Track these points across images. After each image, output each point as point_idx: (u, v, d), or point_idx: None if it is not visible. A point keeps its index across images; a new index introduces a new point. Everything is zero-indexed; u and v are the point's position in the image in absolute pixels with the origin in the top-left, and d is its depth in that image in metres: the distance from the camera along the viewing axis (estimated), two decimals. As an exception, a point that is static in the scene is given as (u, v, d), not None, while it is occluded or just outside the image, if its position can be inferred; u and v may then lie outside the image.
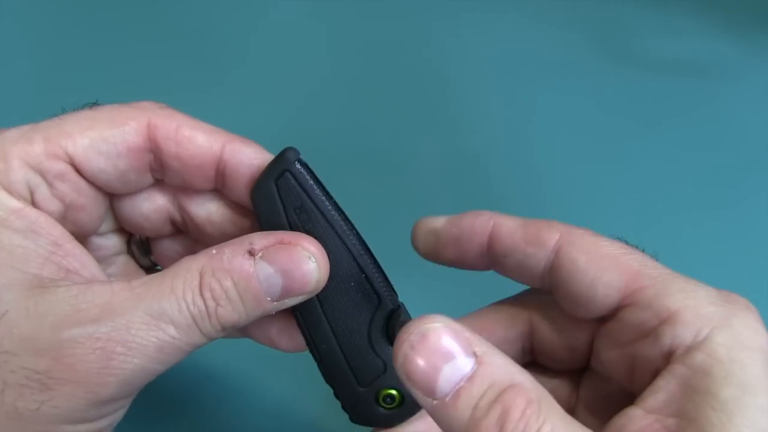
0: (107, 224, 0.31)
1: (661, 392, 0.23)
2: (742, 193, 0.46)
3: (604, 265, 0.25)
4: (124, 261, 0.32)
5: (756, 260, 0.44)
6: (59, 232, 0.26)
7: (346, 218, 0.27)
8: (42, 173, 0.26)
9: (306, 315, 0.28)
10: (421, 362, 0.22)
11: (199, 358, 0.37)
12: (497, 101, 0.50)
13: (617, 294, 0.25)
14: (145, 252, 0.32)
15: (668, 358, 0.23)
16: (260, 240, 0.25)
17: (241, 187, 0.28)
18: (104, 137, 0.26)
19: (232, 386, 0.39)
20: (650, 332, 0.24)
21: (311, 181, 0.26)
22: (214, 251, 0.25)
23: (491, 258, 0.28)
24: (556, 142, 0.48)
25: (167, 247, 0.32)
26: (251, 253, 0.25)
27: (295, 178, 0.26)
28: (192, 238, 0.31)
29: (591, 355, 0.27)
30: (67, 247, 0.26)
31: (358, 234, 0.27)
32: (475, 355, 0.22)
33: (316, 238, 0.26)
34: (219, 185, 0.28)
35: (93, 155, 0.26)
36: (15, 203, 0.26)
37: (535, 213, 0.42)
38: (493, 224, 0.28)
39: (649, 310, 0.24)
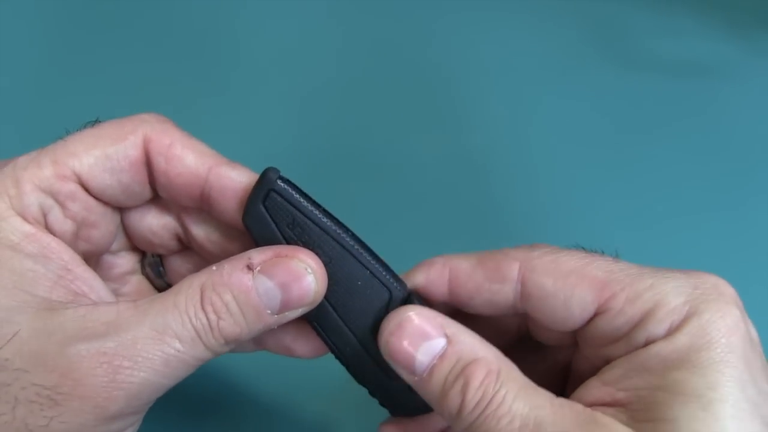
0: (119, 242, 0.31)
1: (618, 368, 0.25)
2: (743, 194, 0.46)
3: (571, 282, 0.26)
4: (138, 281, 0.33)
5: (756, 261, 0.44)
6: (69, 256, 0.27)
7: (338, 222, 0.27)
8: (53, 195, 0.27)
9: (323, 323, 0.28)
10: (402, 344, 0.26)
11: (213, 371, 0.37)
12: (497, 102, 0.50)
13: (591, 307, 0.26)
14: (159, 273, 0.33)
15: None
16: (258, 255, 0.26)
17: (228, 209, 0.28)
18: (107, 154, 0.27)
19: (247, 399, 0.39)
20: (624, 335, 0.25)
21: (297, 195, 0.27)
22: (214, 268, 0.26)
23: (455, 303, 0.29)
24: (557, 142, 0.48)
25: (179, 265, 0.32)
26: (250, 268, 0.26)
27: (281, 196, 0.27)
28: (199, 256, 0.32)
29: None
30: (77, 271, 0.27)
31: (353, 234, 0.27)
32: (446, 335, 0.25)
33: (313, 248, 0.27)
34: (206, 206, 0.29)
35: (98, 172, 0.27)
36: (28, 228, 0.26)
37: (535, 214, 0.42)
38: (450, 270, 0.28)
39: (622, 315, 0.25)
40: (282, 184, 0.27)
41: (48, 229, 0.27)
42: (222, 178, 0.28)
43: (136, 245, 0.32)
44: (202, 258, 0.32)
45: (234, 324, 0.26)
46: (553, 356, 0.30)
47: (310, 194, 0.27)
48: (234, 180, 0.28)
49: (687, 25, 0.54)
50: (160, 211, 0.31)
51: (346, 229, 0.27)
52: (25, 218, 0.27)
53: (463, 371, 0.25)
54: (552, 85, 0.51)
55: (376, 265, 0.27)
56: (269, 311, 0.26)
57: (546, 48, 0.53)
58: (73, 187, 0.27)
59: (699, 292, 0.25)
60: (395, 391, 0.29)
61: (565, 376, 0.30)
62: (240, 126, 0.49)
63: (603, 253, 0.27)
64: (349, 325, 0.28)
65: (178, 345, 0.25)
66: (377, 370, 0.28)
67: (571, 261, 0.26)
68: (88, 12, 0.55)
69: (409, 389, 0.27)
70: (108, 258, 0.32)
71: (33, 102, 0.50)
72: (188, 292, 0.25)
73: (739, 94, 0.51)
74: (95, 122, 0.29)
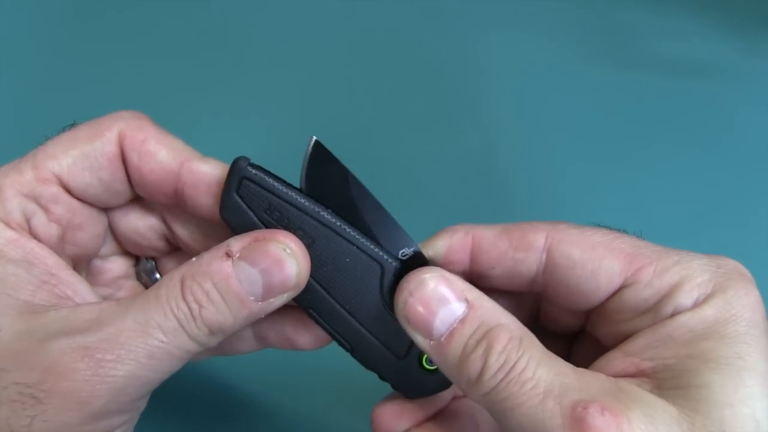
0: (109, 247, 0.31)
1: (642, 339, 0.25)
2: (742, 194, 0.47)
3: (599, 253, 0.26)
4: (133, 285, 0.33)
5: (756, 260, 0.44)
6: (53, 261, 0.27)
7: (315, 201, 0.26)
8: (35, 199, 0.27)
9: (319, 309, 0.27)
10: (419, 307, 0.25)
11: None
12: (498, 102, 0.50)
13: (618, 278, 0.26)
14: (155, 280, 0.32)
15: None
16: (237, 242, 0.26)
17: (202, 204, 0.28)
18: (85, 153, 0.27)
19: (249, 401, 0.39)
20: (651, 307, 0.25)
21: (269, 179, 0.26)
22: (194, 259, 0.26)
23: (474, 274, 0.28)
24: (557, 142, 0.49)
25: (172, 267, 0.32)
26: (229, 255, 0.25)
27: (254, 182, 0.26)
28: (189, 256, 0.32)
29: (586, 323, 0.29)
30: (61, 275, 0.27)
31: (332, 212, 0.27)
32: (466, 300, 0.25)
33: (294, 230, 0.26)
34: (181, 202, 0.28)
35: (78, 171, 0.27)
36: (11, 234, 0.26)
37: (535, 213, 0.42)
38: (473, 237, 0.28)
39: (650, 288, 0.25)
40: (253, 171, 0.26)
41: (32, 233, 0.27)
42: (194, 173, 0.27)
43: (125, 248, 0.32)
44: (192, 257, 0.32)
45: (216, 312, 0.25)
46: (550, 341, 0.30)
47: (284, 177, 0.27)
48: (206, 174, 0.27)
49: (687, 25, 0.54)
50: (145, 211, 0.31)
51: (325, 207, 0.26)
52: (7, 224, 0.27)
53: (485, 336, 0.24)
54: (552, 85, 0.51)
55: (362, 240, 0.26)
56: (252, 297, 0.25)
57: (546, 48, 0.53)
58: (54, 190, 0.27)
59: (723, 271, 0.25)
60: (405, 371, 0.28)
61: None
62: (239, 125, 0.49)
63: (626, 231, 0.28)
64: (345, 306, 0.27)
65: (161, 336, 0.25)
66: (383, 351, 0.28)
67: (598, 235, 0.27)
68: (88, 12, 0.55)
69: (420, 367, 0.27)
70: (99, 263, 0.31)
71: (32, 103, 0.50)
72: (169, 284, 0.25)
73: (739, 94, 0.51)
74: (72, 125, 0.28)
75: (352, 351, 0.28)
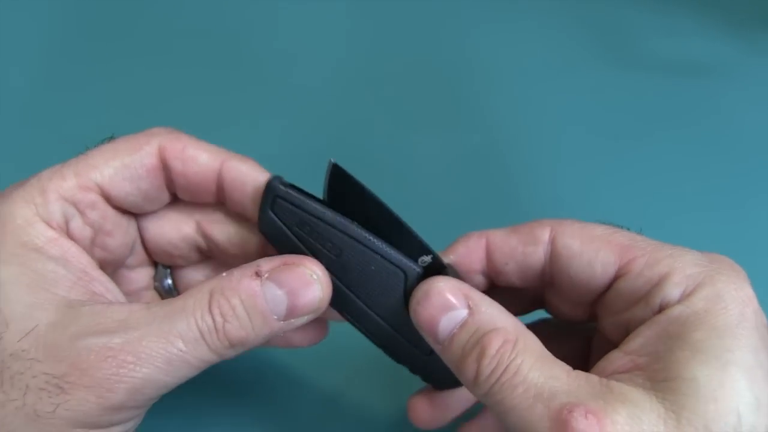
0: (137, 257, 0.33)
1: (640, 337, 0.26)
2: (742, 193, 0.47)
3: (596, 245, 0.28)
4: (151, 296, 0.34)
5: (756, 260, 0.44)
6: (87, 261, 0.29)
7: (342, 214, 0.28)
8: (75, 204, 0.29)
9: (350, 311, 0.29)
10: (426, 313, 0.27)
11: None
12: (498, 101, 0.51)
13: (613, 268, 0.27)
14: (167, 287, 0.34)
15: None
16: (267, 263, 0.28)
17: (239, 199, 0.30)
18: (125, 164, 0.30)
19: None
20: (643, 297, 0.26)
21: (300, 196, 0.29)
22: (224, 274, 0.27)
23: (491, 272, 0.30)
24: (557, 141, 0.49)
25: (191, 277, 0.34)
26: (258, 274, 0.27)
27: (285, 200, 0.29)
28: (217, 262, 0.34)
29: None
30: (94, 273, 0.29)
31: (357, 224, 0.28)
32: (468, 306, 0.26)
33: (323, 242, 0.28)
34: (221, 198, 0.31)
35: (119, 181, 0.30)
36: (51, 233, 0.28)
37: (534, 211, 0.42)
38: (486, 238, 0.30)
39: (641, 277, 0.27)
40: (284, 189, 0.29)
41: (69, 235, 0.29)
42: (233, 169, 0.30)
43: (155, 258, 0.34)
44: (223, 264, 0.33)
45: (240, 327, 0.27)
46: (572, 340, 0.32)
47: (313, 193, 0.29)
48: (244, 172, 0.30)
49: (687, 25, 0.54)
50: (179, 220, 0.32)
51: (351, 220, 0.28)
52: (49, 224, 0.28)
53: (480, 340, 0.25)
54: (552, 84, 0.51)
55: (386, 249, 0.28)
56: (276, 317, 0.27)
57: (546, 48, 0.53)
58: (94, 197, 0.30)
59: (714, 266, 0.26)
60: (434, 366, 0.29)
61: (585, 360, 0.31)
62: (243, 126, 0.49)
63: (629, 228, 0.29)
64: (373, 309, 0.29)
65: (181, 345, 0.26)
66: (411, 348, 0.29)
67: (598, 229, 0.28)
68: (95, 16, 0.55)
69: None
70: (125, 272, 0.33)
71: (37, 106, 0.50)
72: (197, 296, 0.27)
73: (739, 94, 0.51)
74: (111, 138, 0.31)
75: (383, 348, 0.30)
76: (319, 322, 0.34)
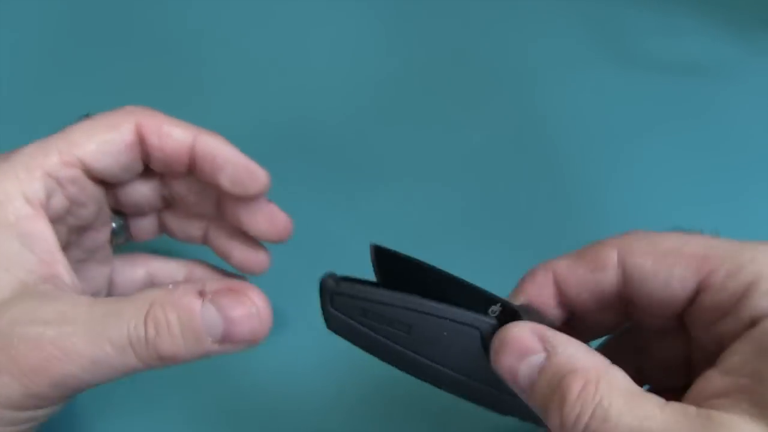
0: (102, 220, 0.35)
1: (737, 354, 0.24)
2: (742, 193, 0.46)
3: (670, 261, 0.26)
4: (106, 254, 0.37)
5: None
6: (53, 242, 0.30)
7: (398, 292, 0.28)
8: (58, 180, 0.31)
9: (439, 380, 0.29)
10: (505, 365, 0.26)
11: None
12: (498, 101, 0.51)
13: (692, 284, 0.26)
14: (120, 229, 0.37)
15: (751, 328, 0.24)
16: (213, 284, 0.28)
17: (209, 170, 0.33)
18: (106, 140, 0.32)
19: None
20: (730, 311, 0.25)
21: (355, 287, 0.28)
22: (170, 286, 0.28)
23: (566, 304, 0.29)
24: (556, 141, 0.49)
25: (143, 225, 0.38)
26: (201, 294, 0.28)
27: (342, 294, 0.28)
28: (178, 210, 0.37)
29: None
30: (57, 256, 0.30)
31: (417, 296, 0.28)
32: (545, 349, 0.25)
33: (389, 322, 0.28)
34: (191, 169, 0.34)
35: (100, 156, 0.32)
36: (28, 210, 0.30)
37: (534, 212, 0.42)
38: (552, 272, 0.29)
39: (724, 291, 0.25)
40: (339, 285, 0.28)
41: (46, 209, 0.31)
42: (204, 144, 0.33)
43: (125, 211, 0.36)
44: (182, 212, 0.37)
45: (171, 343, 0.27)
46: (667, 347, 0.30)
47: (369, 279, 0.29)
48: (214, 146, 0.33)
49: (687, 25, 0.54)
50: (149, 178, 0.35)
51: (410, 293, 0.28)
52: (29, 200, 0.30)
53: (559, 384, 0.24)
54: (552, 84, 0.51)
55: (453, 311, 0.28)
56: (210, 339, 0.28)
57: (546, 48, 0.53)
58: (76, 172, 0.31)
59: None
60: (519, 405, 0.28)
61: (687, 366, 0.29)
62: (230, 125, 0.49)
63: (702, 231, 0.27)
64: (456, 371, 0.29)
65: (109, 349, 0.27)
66: (501, 395, 0.28)
67: (668, 241, 0.27)
68: (85, 14, 0.55)
69: None
70: (89, 233, 0.35)
71: (29, 99, 0.50)
72: (138, 303, 0.28)
73: (738, 93, 0.51)
74: (87, 115, 0.33)
75: (476, 402, 0.30)
76: (261, 249, 0.37)
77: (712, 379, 0.24)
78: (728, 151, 0.48)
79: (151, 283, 0.37)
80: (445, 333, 0.28)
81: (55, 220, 0.31)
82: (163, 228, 0.38)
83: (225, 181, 0.33)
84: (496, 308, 0.28)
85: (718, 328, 0.25)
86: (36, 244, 0.29)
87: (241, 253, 0.37)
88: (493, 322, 0.27)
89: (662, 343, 0.29)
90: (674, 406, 0.23)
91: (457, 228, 0.45)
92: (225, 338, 0.28)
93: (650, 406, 0.23)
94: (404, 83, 0.51)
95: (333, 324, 0.29)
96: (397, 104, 0.50)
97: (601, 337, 0.32)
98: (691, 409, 0.22)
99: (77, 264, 0.34)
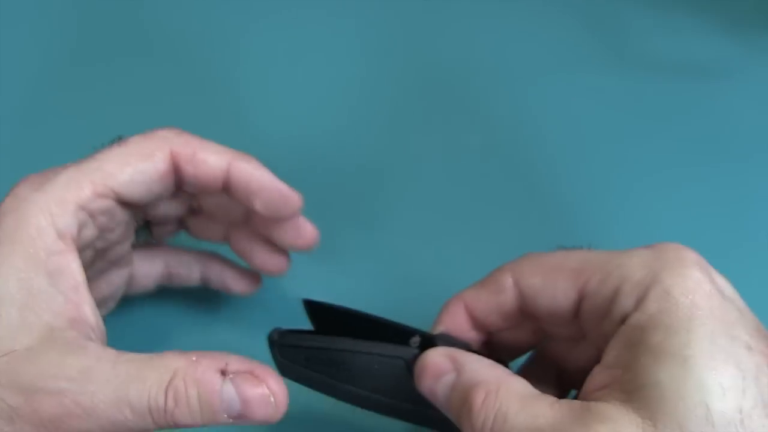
0: (127, 237, 0.36)
1: (613, 350, 0.27)
2: (742, 193, 0.47)
3: (553, 276, 0.29)
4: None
5: (756, 259, 0.44)
6: (81, 279, 0.30)
7: (332, 338, 0.32)
8: (90, 212, 0.31)
9: (372, 405, 0.33)
10: (425, 387, 0.30)
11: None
12: (497, 101, 0.51)
13: (573, 294, 0.29)
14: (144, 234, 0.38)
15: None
16: (235, 364, 0.29)
17: (243, 194, 0.34)
18: (139, 170, 0.32)
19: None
20: (605, 313, 0.28)
21: (296, 337, 0.33)
22: (194, 358, 0.29)
23: (480, 328, 0.32)
24: (556, 141, 0.49)
25: (166, 229, 0.38)
26: (223, 373, 0.29)
27: (287, 346, 0.32)
28: (202, 216, 0.38)
29: None
30: (82, 294, 0.30)
31: (348, 338, 0.32)
32: (456, 370, 0.29)
33: (331, 365, 0.32)
34: (225, 191, 0.35)
35: (133, 186, 0.32)
36: (59, 245, 0.30)
37: (533, 212, 0.42)
38: (462, 302, 0.32)
39: (598, 296, 0.28)
40: (282, 339, 0.33)
41: (76, 241, 0.31)
42: (238, 170, 0.34)
43: (150, 220, 0.37)
44: (205, 218, 0.38)
45: (188, 415, 0.28)
46: (580, 353, 0.32)
47: (308, 329, 0.34)
48: (249, 172, 0.34)
49: (687, 25, 0.54)
50: (178, 195, 0.36)
51: (341, 338, 0.32)
52: (61, 236, 0.30)
53: (467, 397, 0.27)
54: (551, 84, 0.51)
55: (380, 347, 0.31)
56: (225, 415, 0.29)
57: (545, 48, 0.53)
58: (109, 203, 0.32)
59: (659, 262, 0.27)
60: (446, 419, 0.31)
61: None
62: (241, 128, 0.49)
63: (581, 247, 0.31)
64: (390, 397, 0.32)
65: (128, 413, 0.27)
66: (436, 415, 0.31)
67: (553, 259, 0.30)
68: (94, 17, 0.55)
69: None
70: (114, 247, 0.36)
71: (36, 106, 0.50)
72: (161, 370, 0.28)
73: (738, 93, 0.51)
74: (119, 138, 0.33)
75: (410, 421, 0.33)
76: (254, 276, 0.39)
77: (596, 375, 0.27)
78: (728, 150, 0.48)
79: (168, 277, 0.38)
80: (375, 366, 0.31)
81: (83, 248, 0.32)
82: (184, 228, 0.39)
83: (259, 206, 0.34)
84: (416, 339, 0.31)
85: (601, 329, 0.28)
86: (63, 281, 0.30)
87: (263, 256, 0.37)
88: (416, 351, 0.31)
89: (575, 350, 0.32)
90: (562, 403, 0.26)
91: (458, 227, 0.45)
92: (240, 417, 0.29)
93: (541, 406, 0.26)
94: (402, 83, 0.51)
95: (284, 371, 0.33)
96: (396, 107, 0.50)
97: (526, 352, 0.34)
98: (576, 404, 0.25)
99: (99, 273, 0.35)
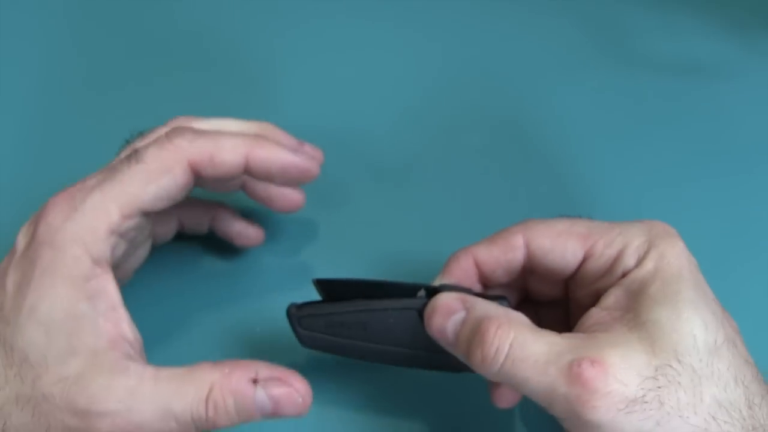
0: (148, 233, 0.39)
1: (612, 296, 0.33)
2: (742, 193, 0.47)
3: (563, 239, 0.34)
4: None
5: (755, 259, 0.44)
6: (117, 299, 0.33)
7: (347, 303, 0.35)
8: (120, 234, 0.34)
9: (391, 358, 0.35)
10: (435, 325, 0.33)
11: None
12: (497, 102, 0.51)
13: (580, 254, 0.34)
14: None
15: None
16: (264, 371, 0.32)
17: (263, 177, 0.37)
18: (162, 187, 0.34)
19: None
20: (607, 270, 0.33)
21: (314, 307, 0.35)
22: (227, 370, 0.32)
23: (483, 279, 0.36)
24: (556, 141, 0.49)
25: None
26: (255, 381, 0.32)
27: (306, 316, 0.35)
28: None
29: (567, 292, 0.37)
30: (120, 312, 0.33)
31: (361, 301, 0.35)
32: (465, 308, 0.33)
33: (349, 327, 0.35)
34: (246, 174, 0.37)
35: (157, 202, 0.34)
36: (96, 271, 0.33)
37: (533, 212, 0.42)
38: (472, 256, 0.36)
39: (603, 257, 0.34)
40: (301, 310, 0.35)
41: (111, 260, 0.34)
42: (257, 158, 0.36)
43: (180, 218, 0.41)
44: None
45: (227, 420, 0.31)
46: (552, 314, 0.37)
47: (320, 300, 0.36)
48: (266, 157, 0.36)
49: (687, 25, 0.54)
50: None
51: (356, 301, 0.35)
52: (97, 262, 0.33)
53: (478, 328, 0.31)
54: (551, 85, 0.51)
55: (393, 302, 0.35)
56: (259, 414, 0.32)
57: (545, 48, 0.53)
58: (136, 220, 0.34)
59: (654, 233, 0.33)
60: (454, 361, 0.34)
61: (568, 329, 0.35)
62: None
63: (580, 215, 0.36)
64: (407, 347, 0.35)
65: (174, 425, 0.31)
66: (446, 357, 0.34)
67: (560, 224, 0.35)
68: (102, 18, 0.55)
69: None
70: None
71: (45, 109, 0.50)
72: (199, 385, 0.31)
73: (738, 93, 0.51)
74: (141, 134, 0.37)
75: (420, 367, 0.36)
76: (258, 229, 0.42)
77: (593, 315, 0.33)
78: (728, 151, 0.48)
79: (181, 228, 0.41)
80: (390, 320, 0.35)
81: (115, 262, 0.34)
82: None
83: (279, 182, 0.38)
84: (422, 292, 0.35)
85: (597, 285, 0.34)
86: (102, 303, 0.32)
87: (281, 198, 0.40)
88: (425, 300, 0.34)
89: (548, 311, 0.37)
90: (569, 334, 0.31)
91: (458, 227, 0.45)
92: (272, 414, 0.32)
93: (552, 335, 0.31)
94: (401, 83, 0.51)
95: (305, 341, 0.36)
96: (396, 108, 0.51)
97: None
98: (580, 334, 0.31)
99: (127, 256, 0.37)
